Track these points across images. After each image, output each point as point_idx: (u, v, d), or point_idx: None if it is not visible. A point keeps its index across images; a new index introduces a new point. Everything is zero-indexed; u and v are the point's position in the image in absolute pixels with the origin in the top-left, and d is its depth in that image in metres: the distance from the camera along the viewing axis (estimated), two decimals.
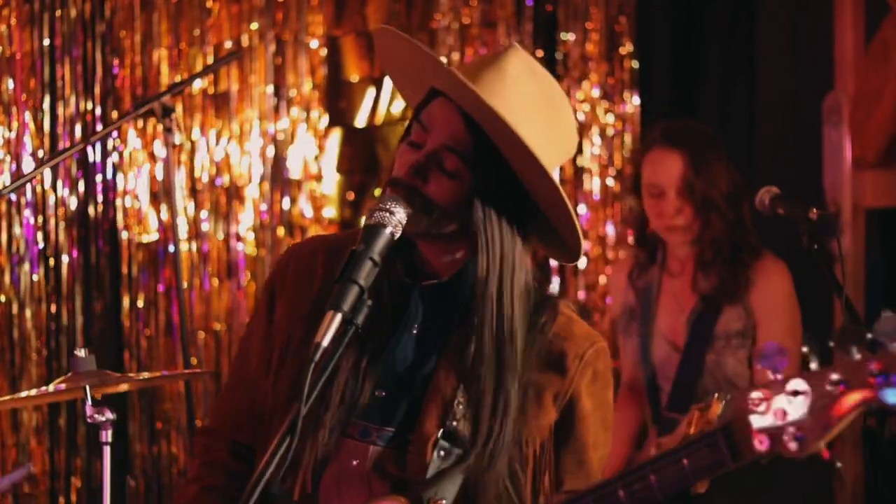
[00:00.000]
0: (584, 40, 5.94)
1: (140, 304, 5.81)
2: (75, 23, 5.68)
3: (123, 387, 3.95)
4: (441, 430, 2.62)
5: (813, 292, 4.65)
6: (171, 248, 5.73)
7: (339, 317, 2.43)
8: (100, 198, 5.75)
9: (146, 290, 5.82)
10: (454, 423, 2.62)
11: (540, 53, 5.93)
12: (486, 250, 2.63)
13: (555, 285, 5.74)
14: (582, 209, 5.95)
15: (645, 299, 4.73)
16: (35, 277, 5.65)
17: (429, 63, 2.67)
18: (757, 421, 2.15)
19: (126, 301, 5.78)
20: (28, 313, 5.65)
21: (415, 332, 2.71)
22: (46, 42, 5.63)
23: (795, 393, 2.13)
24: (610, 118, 5.93)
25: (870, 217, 5.46)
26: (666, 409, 4.62)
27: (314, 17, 5.91)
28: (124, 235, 5.78)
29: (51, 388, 3.72)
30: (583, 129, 5.89)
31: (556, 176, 2.65)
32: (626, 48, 5.94)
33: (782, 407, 2.13)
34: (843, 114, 5.45)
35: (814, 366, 4.18)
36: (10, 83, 5.60)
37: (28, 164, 5.57)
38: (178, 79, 5.74)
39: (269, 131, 5.93)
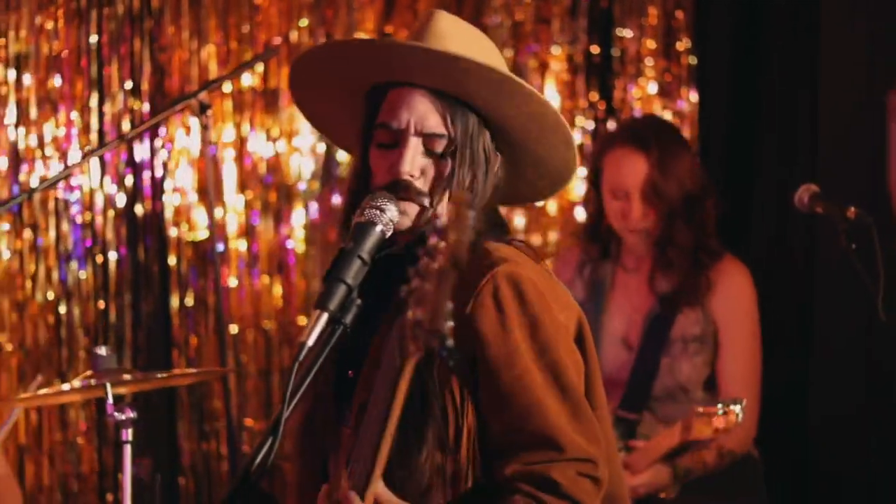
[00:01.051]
0: (641, 36, 5.84)
1: (189, 302, 5.77)
2: (122, 19, 5.65)
3: (141, 386, 3.95)
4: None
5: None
6: (220, 248, 5.70)
7: (325, 316, 2.40)
8: (148, 195, 5.72)
9: (196, 288, 5.78)
10: None
11: (595, 50, 5.84)
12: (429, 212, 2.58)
13: None
14: None
15: (596, 294, 4.57)
16: (83, 275, 5.64)
17: (364, 54, 2.66)
18: None
19: (175, 299, 5.74)
20: (76, 311, 5.64)
21: (368, 305, 2.56)
22: (94, 39, 5.61)
23: None
24: (667, 115, 5.81)
25: None
26: (618, 409, 4.48)
27: (364, 13, 5.85)
28: (173, 233, 5.75)
29: (75, 383, 3.72)
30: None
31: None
32: (684, 44, 5.82)
33: None
34: None
35: None
36: (58, 80, 5.58)
37: (74, 160, 5.55)
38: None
39: None
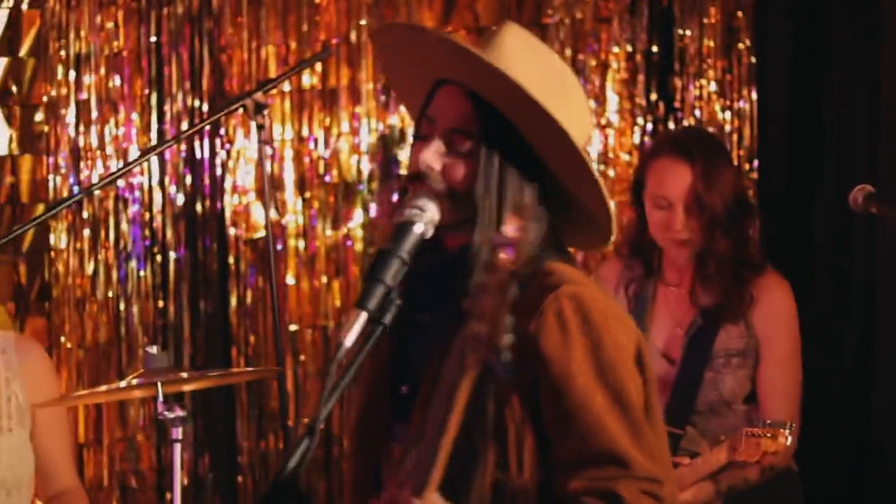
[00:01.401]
0: (701, 35, 5.79)
1: (248, 301, 5.79)
2: (182, 19, 5.69)
3: (192, 385, 3.96)
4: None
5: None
6: (279, 247, 5.72)
7: (363, 316, 2.38)
8: (207, 195, 5.74)
9: (254, 287, 5.80)
10: None
11: (655, 49, 5.81)
12: (482, 221, 2.53)
13: None
14: None
15: (638, 309, 4.52)
16: (142, 274, 5.67)
17: (428, 44, 2.61)
18: None
19: (234, 298, 5.76)
20: (135, 310, 5.67)
21: (422, 319, 2.61)
22: (153, 39, 5.65)
23: None
24: (727, 115, 5.76)
25: None
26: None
27: (424, 12, 5.85)
28: (232, 232, 5.77)
29: (126, 382, 3.74)
30: (700, 126, 5.73)
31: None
32: (745, 43, 5.78)
33: None
34: None
35: None
36: (117, 80, 5.62)
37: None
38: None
39: (378, 128, 5.87)
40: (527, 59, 2.57)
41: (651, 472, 2.50)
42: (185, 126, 5.64)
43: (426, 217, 2.51)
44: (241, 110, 4.48)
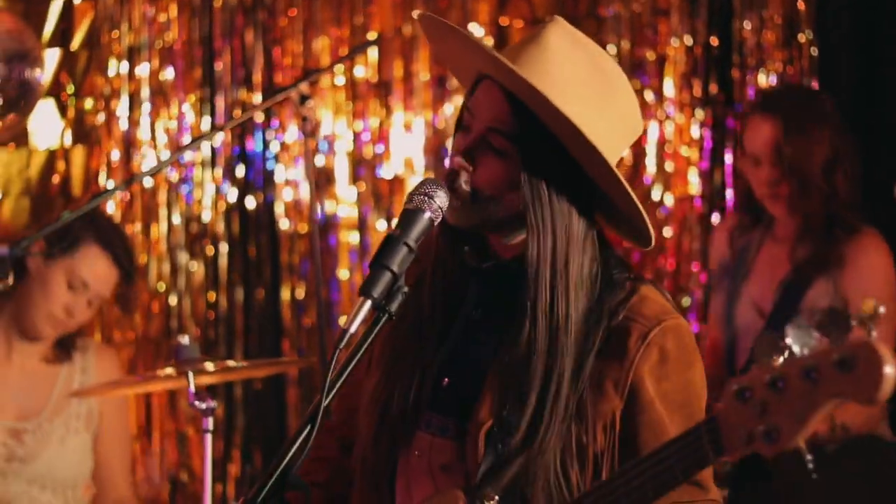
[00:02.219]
0: (762, 28, 5.69)
1: (300, 294, 5.77)
2: (235, 11, 5.67)
3: (225, 376, 3.96)
4: (493, 419, 2.50)
5: None
6: (332, 241, 5.69)
7: (368, 303, 2.35)
8: (259, 188, 5.72)
9: (306, 280, 5.77)
10: (506, 413, 2.49)
11: (714, 42, 5.72)
12: (537, 230, 2.50)
13: None
14: None
15: (741, 258, 4.55)
16: (193, 267, 5.66)
17: (468, 45, 2.58)
18: (737, 415, 2.02)
19: (286, 291, 5.74)
20: (187, 303, 5.67)
21: (475, 316, 2.61)
22: (206, 31, 5.63)
23: (775, 385, 1.98)
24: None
25: None
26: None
27: (479, 4, 5.79)
28: (283, 225, 5.74)
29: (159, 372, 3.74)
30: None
31: (616, 155, 2.53)
32: (806, 35, 5.67)
33: (764, 400, 1.99)
34: None
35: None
36: (170, 72, 5.61)
37: (186, 154, 5.58)
38: (337, 68, 5.68)
39: (432, 121, 5.82)
40: (569, 60, 2.52)
41: (718, 493, 2.56)
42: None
43: (435, 204, 2.46)
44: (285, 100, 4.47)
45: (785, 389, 1.97)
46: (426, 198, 2.46)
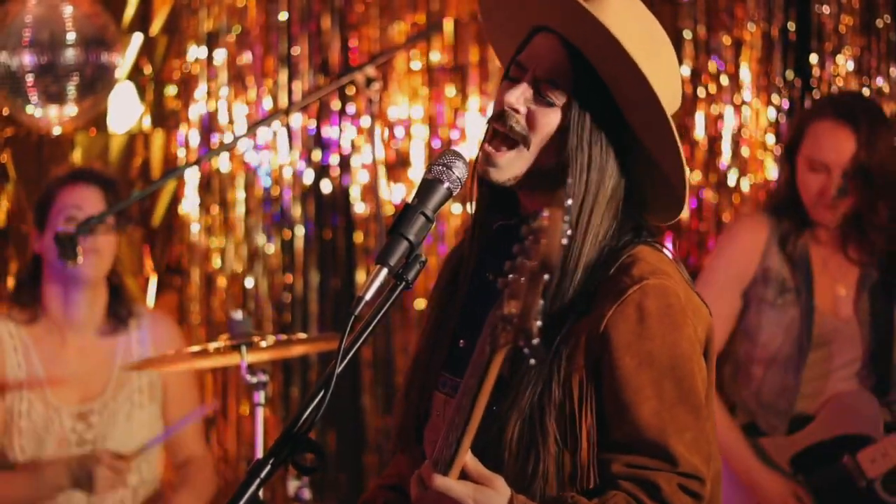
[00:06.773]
0: (839, 12, 5.65)
1: None
2: None
3: (279, 351, 4.01)
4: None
5: None
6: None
7: (384, 271, 2.37)
8: (335, 172, 5.76)
9: None
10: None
11: (792, 27, 5.68)
12: (574, 179, 2.51)
13: None
14: None
15: (802, 270, 4.45)
16: (270, 249, 5.72)
17: None
18: None
19: (361, 274, 5.78)
20: (263, 285, 5.72)
21: (489, 276, 2.59)
22: (283, 17, 5.67)
23: None
24: (865, 93, 5.62)
25: None
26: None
27: None
28: (359, 209, 5.78)
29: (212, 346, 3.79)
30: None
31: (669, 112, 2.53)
32: (884, 20, 5.62)
33: None
34: None
35: None
36: (248, 57, 5.66)
37: (263, 137, 5.63)
38: (412, 53, 5.70)
39: None
40: (628, 19, 2.54)
41: (697, 469, 2.49)
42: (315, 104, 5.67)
43: (454, 175, 2.48)
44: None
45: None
46: (445, 168, 2.47)
